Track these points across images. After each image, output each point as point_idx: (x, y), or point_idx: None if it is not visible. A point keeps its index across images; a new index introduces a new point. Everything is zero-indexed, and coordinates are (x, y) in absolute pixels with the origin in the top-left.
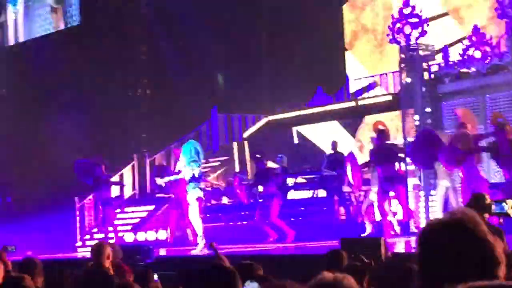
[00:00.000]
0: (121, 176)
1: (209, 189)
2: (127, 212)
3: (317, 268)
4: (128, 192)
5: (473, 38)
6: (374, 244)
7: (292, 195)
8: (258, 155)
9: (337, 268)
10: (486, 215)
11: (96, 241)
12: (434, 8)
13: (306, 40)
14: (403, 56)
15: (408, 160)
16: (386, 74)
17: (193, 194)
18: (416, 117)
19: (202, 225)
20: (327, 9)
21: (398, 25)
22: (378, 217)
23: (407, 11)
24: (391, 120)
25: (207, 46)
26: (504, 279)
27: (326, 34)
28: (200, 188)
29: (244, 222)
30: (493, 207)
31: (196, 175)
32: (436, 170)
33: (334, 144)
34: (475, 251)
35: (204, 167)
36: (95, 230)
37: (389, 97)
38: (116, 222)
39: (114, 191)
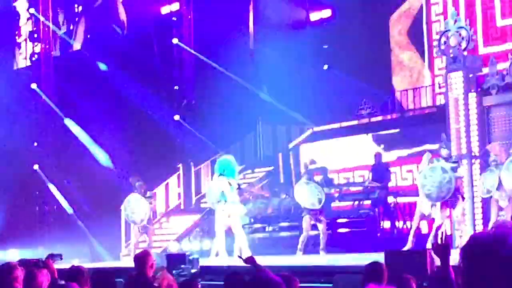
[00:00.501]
0: (167, 186)
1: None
2: (172, 222)
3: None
4: (174, 202)
5: None
6: (419, 256)
7: (337, 205)
8: None
9: (377, 281)
10: None
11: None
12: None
13: (353, 51)
14: (450, 67)
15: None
16: (430, 85)
17: (231, 208)
18: (462, 129)
19: (245, 236)
20: (375, 19)
21: (443, 38)
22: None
23: (453, 22)
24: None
25: (252, 55)
26: None
27: (373, 45)
28: (235, 202)
29: (289, 233)
30: None
31: (226, 191)
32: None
33: (378, 156)
34: None
35: (250, 178)
36: (141, 239)
37: (434, 109)
38: (161, 231)
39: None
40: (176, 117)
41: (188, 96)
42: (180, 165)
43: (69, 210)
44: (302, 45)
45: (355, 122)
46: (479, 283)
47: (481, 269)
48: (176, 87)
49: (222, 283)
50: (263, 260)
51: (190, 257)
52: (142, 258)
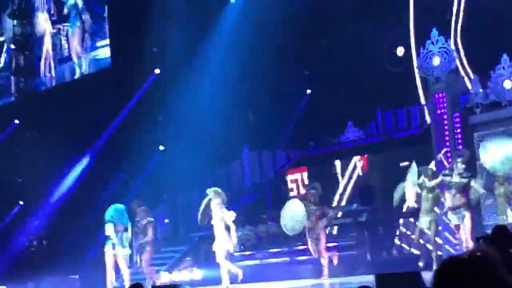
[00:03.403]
0: (155, 214)
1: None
2: (161, 252)
3: None
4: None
5: (503, 68)
6: (411, 279)
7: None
8: None
9: None
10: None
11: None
12: None
13: (336, 73)
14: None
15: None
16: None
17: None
18: (448, 148)
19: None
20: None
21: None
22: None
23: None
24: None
25: (238, 84)
26: None
27: (357, 67)
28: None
29: (278, 259)
30: None
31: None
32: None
33: (366, 178)
34: None
35: (237, 205)
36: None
37: (420, 130)
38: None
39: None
40: (161, 147)
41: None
42: (167, 194)
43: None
44: (282, 70)
45: (341, 146)
46: None
47: None
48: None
49: None
50: (253, 287)
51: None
52: None
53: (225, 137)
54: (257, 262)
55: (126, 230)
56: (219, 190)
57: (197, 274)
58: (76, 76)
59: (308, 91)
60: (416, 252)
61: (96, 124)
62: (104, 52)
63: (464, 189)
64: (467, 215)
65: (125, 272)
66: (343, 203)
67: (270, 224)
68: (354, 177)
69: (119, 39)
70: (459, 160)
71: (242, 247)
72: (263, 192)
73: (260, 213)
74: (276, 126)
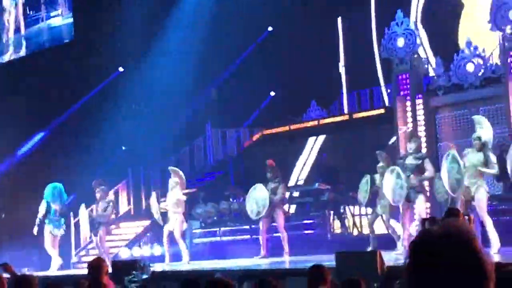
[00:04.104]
0: (116, 191)
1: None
2: (122, 228)
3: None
4: (123, 207)
5: (466, 51)
6: (370, 258)
7: (286, 208)
8: None
9: (322, 284)
10: None
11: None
12: None
13: (301, 52)
14: (398, 68)
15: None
16: (379, 87)
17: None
18: (410, 130)
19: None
20: (324, 22)
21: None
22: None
23: (395, 23)
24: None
25: (201, 61)
26: None
27: (321, 47)
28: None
29: (239, 237)
30: None
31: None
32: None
33: (328, 157)
34: (469, 265)
35: (200, 182)
36: (91, 246)
37: (382, 110)
38: (111, 237)
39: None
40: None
41: (137, 101)
42: (129, 171)
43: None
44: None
45: (304, 125)
46: (424, 281)
47: (428, 266)
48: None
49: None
50: (214, 264)
51: (141, 263)
52: (97, 265)
53: (188, 114)
54: (218, 239)
55: (62, 209)
56: (179, 170)
57: (158, 250)
58: (23, 49)
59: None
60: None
61: (57, 99)
62: (56, 20)
63: (418, 171)
64: (421, 196)
65: (55, 252)
66: (301, 182)
67: (232, 202)
68: (314, 156)
69: (81, 13)
70: (411, 141)
71: (203, 224)
72: (225, 169)
73: (222, 191)
74: (239, 103)
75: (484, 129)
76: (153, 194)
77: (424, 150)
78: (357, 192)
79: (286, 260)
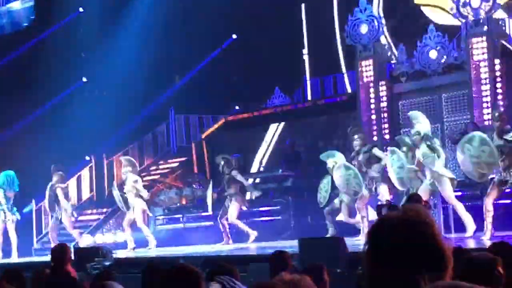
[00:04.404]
0: (79, 178)
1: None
2: (85, 214)
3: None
4: (85, 194)
5: (429, 37)
6: (333, 244)
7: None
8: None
9: (282, 270)
10: None
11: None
12: None
13: (265, 39)
14: (361, 54)
15: None
16: (342, 73)
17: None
18: (373, 116)
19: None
20: (288, 8)
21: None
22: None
23: (358, 9)
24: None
25: (164, 47)
26: (451, 278)
27: (285, 33)
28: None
29: (203, 223)
30: None
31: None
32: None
33: (292, 144)
34: (426, 250)
35: (163, 168)
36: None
37: (346, 97)
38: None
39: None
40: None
41: (100, 87)
42: (92, 157)
43: None
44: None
45: (267, 111)
46: (382, 267)
47: (385, 252)
48: (84, 79)
49: (138, 274)
50: (177, 250)
51: (104, 250)
52: (60, 252)
53: (151, 100)
54: (181, 225)
55: (15, 196)
56: (131, 158)
57: (120, 236)
58: None
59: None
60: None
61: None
62: (15, 5)
63: (372, 162)
64: (383, 186)
65: (14, 239)
66: (262, 168)
67: (195, 188)
68: (276, 142)
69: None
70: (354, 139)
71: (166, 211)
72: (189, 156)
73: (185, 177)
74: (203, 89)
75: (421, 123)
76: (114, 183)
77: (387, 137)
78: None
79: (249, 247)
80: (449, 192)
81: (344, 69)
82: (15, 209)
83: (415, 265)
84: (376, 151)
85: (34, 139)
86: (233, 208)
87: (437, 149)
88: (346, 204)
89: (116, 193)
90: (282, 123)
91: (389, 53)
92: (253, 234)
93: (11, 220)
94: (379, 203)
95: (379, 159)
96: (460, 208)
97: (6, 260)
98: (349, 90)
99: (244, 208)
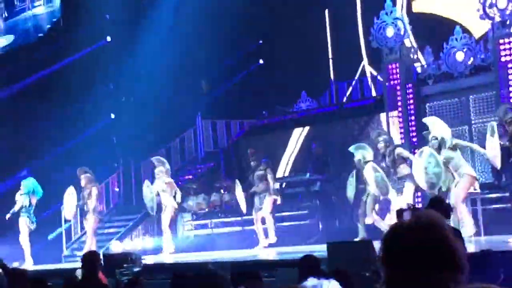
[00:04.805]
0: (107, 184)
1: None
2: (113, 221)
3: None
4: (114, 200)
5: (456, 39)
6: (362, 247)
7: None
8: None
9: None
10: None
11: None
12: None
13: (291, 44)
14: (388, 57)
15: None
16: (368, 76)
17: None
18: (400, 119)
19: None
20: (312, 14)
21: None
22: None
23: (384, 12)
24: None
25: (190, 52)
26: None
27: (311, 38)
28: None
29: (230, 229)
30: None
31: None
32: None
33: (319, 148)
34: (439, 257)
35: (190, 174)
36: (84, 238)
37: (373, 100)
38: (102, 230)
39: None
40: (112, 116)
41: (126, 93)
42: (120, 163)
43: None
44: (236, 38)
45: (295, 115)
46: (398, 274)
47: (401, 259)
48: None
49: (166, 280)
50: (205, 255)
51: (133, 256)
52: (90, 258)
53: (178, 105)
54: (209, 231)
55: (35, 203)
56: (160, 157)
57: (149, 242)
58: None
59: (261, 61)
60: (368, 222)
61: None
62: (39, 9)
63: (395, 163)
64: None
65: (28, 246)
66: (287, 173)
67: (223, 193)
68: (303, 146)
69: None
70: (379, 139)
71: (194, 216)
72: (216, 161)
73: (213, 182)
74: (230, 95)
75: (437, 129)
76: (146, 182)
77: (414, 140)
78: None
79: (277, 251)
80: (461, 191)
81: (368, 73)
82: (34, 218)
83: (427, 272)
84: (399, 150)
85: (60, 145)
86: (267, 202)
87: (462, 145)
88: (372, 199)
89: (148, 194)
90: (309, 127)
91: (415, 56)
92: (272, 239)
93: (30, 227)
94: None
95: (404, 159)
96: (463, 210)
97: (35, 267)
98: (374, 93)
99: (278, 202)
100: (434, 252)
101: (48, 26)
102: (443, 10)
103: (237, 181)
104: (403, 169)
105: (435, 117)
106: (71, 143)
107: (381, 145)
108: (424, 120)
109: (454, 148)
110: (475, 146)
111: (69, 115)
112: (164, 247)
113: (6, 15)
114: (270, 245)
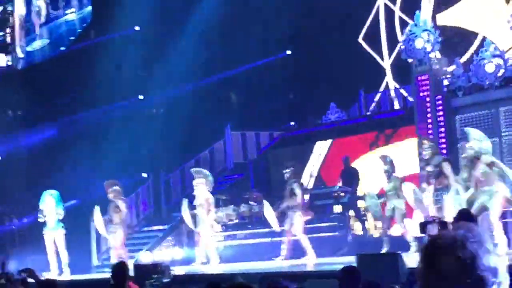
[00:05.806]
0: (137, 195)
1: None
2: (143, 232)
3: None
4: (143, 211)
5: (485, 51)
6: (391, 259)
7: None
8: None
9: (352, 286)
10: None
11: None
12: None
13: (321, 56)
14: (417, 69)
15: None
16: (399, 88)
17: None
18: (430, 131)
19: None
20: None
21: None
22: (396, 232)
23: (414, 24)
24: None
25: (219, 63)
26: None
27: (340, 48)
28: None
29: (259, 240)
30: None
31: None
32: None
33: (347, 160)
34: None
35: (220, 185)
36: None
37: (403, 112)
38: (132, 241)
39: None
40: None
41: (156, 104)
42: (149, 174)
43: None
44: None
45: (324, 127)
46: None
47: (439, 270)
48: (141, 97)
49: None
50: (234, 267)
51: (162, 267)
52: (119, 269)
53: (208, 116)
54: (238, 242)
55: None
56: (201, 169)
57: (179, 253)
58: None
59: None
60: (395, 234)
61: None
62: (71, 16)
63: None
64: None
65: (65, 253)
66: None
67: (253, 205)
68: (329, 158)
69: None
70: (425, 142)
71: (224, 227)
72: (246, 172)
73: (242, 193)
74: (259, 106)
75: (478, 141)
76: (184, 203)
77: (444, 152)
78: None
79: (306, 263)
80: (495, 209)
81: (396, 84)
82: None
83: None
84: (445, 167)
85: (91, 157)
86: (297, 221)
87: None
88: (400, 213)
89: (186, 212)
90: (324, 141)
91: (444, 68)
92: (311, 257)
93: (61, 235)
94: (425, 219)
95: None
96: (498, 228)
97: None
98: (400, 105)
99: (309, 217)
100: (472, 267)
101: (79, 31)
102: (466, 23)
103: (265, 202)
104: (444, 180)
105: (474, 129)
106: (100, 155)
107: (427, 152)
108: (466, 129)
109: (490, 165)
110: (509, 173)
111: (97, 123)
112: (210, 259)
113: (44, 20)
114: (297, 255)
